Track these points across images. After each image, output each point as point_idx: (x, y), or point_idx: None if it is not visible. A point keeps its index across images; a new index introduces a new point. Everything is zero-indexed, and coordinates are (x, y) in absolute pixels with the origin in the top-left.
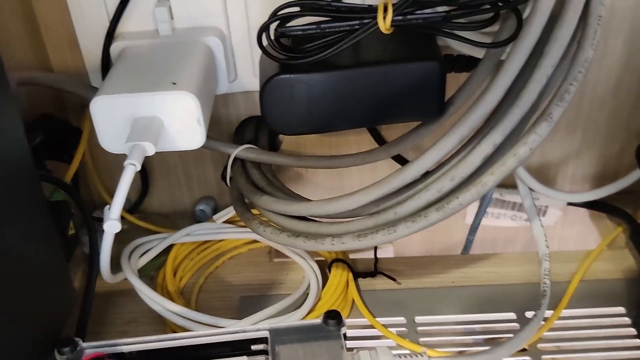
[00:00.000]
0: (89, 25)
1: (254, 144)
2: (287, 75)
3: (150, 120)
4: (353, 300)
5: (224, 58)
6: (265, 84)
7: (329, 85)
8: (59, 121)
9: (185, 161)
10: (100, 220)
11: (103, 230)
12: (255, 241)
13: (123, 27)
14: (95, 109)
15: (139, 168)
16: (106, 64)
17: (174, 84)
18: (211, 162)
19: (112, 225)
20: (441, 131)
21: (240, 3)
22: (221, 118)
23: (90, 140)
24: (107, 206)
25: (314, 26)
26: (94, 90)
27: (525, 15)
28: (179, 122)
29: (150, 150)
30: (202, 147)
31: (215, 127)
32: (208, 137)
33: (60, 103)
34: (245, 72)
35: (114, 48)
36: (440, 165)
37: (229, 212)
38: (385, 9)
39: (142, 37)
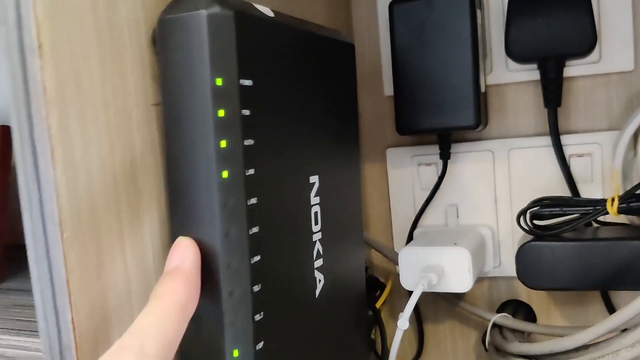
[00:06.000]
0: (401, 218)
1: None
2: (536, 243)
3: (436, 267)
4: None
5: (492, 246)
6: (520, 248)
7: (569, 252)
8: (372, 276)
9: (454, 333)
10: None
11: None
12: None
13: (423, 220)
14: (403, 255)
15: (425, 289)
16: (409, 241)
17: (456, 244)
18: (476, 338)
19: (403, 322)
20: None
21: (508, 213)
22: (485, 299)
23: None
24: (401, 313)
25: (557, 209)
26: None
27: None
28: (455, 270)
29: (434, 280)
30: (470, 311)
31: (480, 305)
32: (474, 305)
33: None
34: (508, 262)
35: (416, 232)
36: None
37: None
38: (613, 200)
39: (436, 228)
